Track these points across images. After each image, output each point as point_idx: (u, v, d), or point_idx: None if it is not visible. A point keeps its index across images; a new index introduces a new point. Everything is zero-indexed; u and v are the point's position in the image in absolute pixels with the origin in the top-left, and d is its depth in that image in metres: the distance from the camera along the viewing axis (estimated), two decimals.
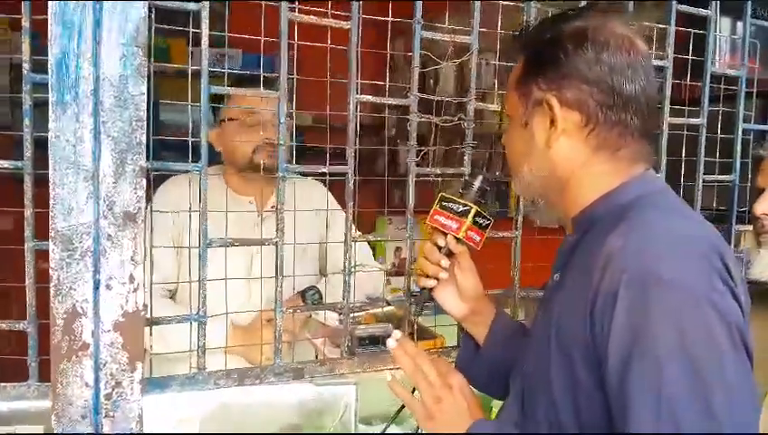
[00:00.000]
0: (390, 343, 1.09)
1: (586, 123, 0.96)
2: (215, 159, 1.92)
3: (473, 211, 1.14)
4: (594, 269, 0.87)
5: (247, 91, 1.34)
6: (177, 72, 1.33)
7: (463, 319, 1.23)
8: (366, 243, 2.22)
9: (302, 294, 1.82)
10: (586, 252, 0.95)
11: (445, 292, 1.21)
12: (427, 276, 1.19)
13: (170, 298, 1.79)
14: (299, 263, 1.74)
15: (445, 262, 1.17)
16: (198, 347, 1.17)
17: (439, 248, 1.17)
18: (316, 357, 1.68)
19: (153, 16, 1.11)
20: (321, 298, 1.84)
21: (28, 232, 1.07)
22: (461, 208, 1.15)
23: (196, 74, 1.14)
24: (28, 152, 1.05)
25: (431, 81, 3.55)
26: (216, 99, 1.88)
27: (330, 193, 1.98)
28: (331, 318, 1.68)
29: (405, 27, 1.30)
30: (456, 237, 1.15)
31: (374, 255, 2.55)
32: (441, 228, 1.16)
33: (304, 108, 1.99)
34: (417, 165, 1.33)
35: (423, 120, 1.32)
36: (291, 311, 1.27)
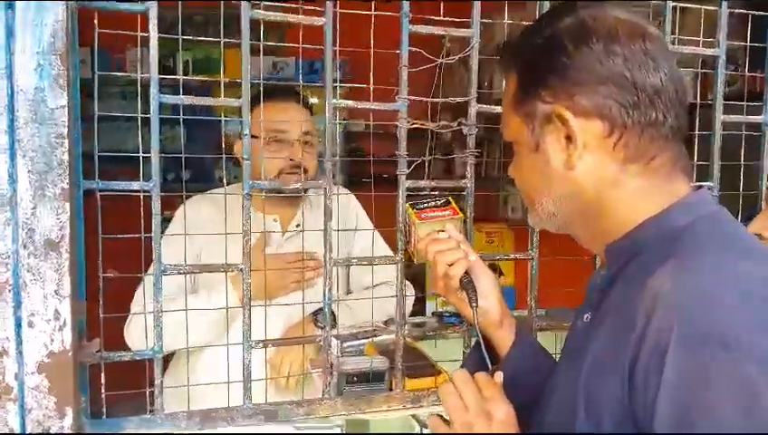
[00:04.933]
0: None
1: (610, 132, 0.78)
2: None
3: (451, 199, 1.12)
4: (635, 316, 0.70)
5: (220, 101, 1.18)
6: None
7: (501, 321, 1.05)
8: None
9: (314, 315, 1.69)
10: (626, 291, 0.77)
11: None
12: (451, 265, 1.03)
13: None
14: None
15: (464, 244, 1.05)
16: (156, 386, 1.06)
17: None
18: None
19: (96, 22, 1.02)
20: (335, 319, 1.69)
21: None
22: (440, 201, 1.11)
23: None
24: None
25: (485, 84, 3.31)
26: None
27: (359, 205, 1.85)
28: (334, 346, 1.53)
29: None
30: (452, 221, 1.09)
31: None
32: (435, 219, 1.09)
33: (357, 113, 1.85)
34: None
35: (416, 125, 1.15)
36: (265, 346, 1.13)
